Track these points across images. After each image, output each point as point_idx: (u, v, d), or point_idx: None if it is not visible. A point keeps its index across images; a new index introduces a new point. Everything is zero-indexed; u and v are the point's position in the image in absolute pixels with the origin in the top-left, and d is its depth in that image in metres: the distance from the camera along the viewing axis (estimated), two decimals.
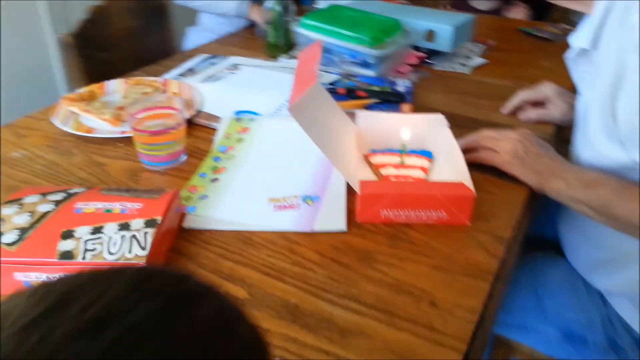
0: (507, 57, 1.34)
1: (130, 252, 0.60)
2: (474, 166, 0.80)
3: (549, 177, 0.75)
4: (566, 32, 1.51)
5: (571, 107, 0.98)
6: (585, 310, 0.84)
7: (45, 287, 0.26)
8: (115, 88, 1.10)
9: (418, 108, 1.04)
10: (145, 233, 0.62)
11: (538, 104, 1.02)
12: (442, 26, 1.24)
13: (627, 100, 0.65)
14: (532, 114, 1.00)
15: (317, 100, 0.71)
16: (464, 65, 1.28)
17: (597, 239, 0.80)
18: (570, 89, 1.17)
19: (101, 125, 0.96)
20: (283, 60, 1.30)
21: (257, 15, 1.53)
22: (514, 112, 1.03)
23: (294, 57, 1.32)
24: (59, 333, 0.23)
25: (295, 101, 0.65)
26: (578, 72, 0.84)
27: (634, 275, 0.76)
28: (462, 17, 1.28)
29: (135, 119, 0.83)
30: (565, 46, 1.43)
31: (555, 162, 0.76)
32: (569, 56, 0.84)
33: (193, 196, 0.77)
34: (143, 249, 0.60)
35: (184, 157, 0.87)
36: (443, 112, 1.04)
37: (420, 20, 1.27)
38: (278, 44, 1.33)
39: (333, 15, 1.28)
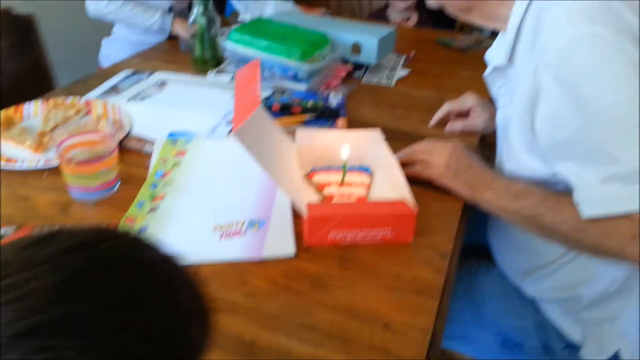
0: (428, 68, 1.40)
1: None
2: (411, 179, 0.83)
3: (481, 189, 0.80)
4: (479, 42, 1.60)
5: (492, 116, 1.04)
6: (519, 316, 0.90)
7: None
8: (34, 111, 1.03)
9: (352, 122, 1.07)
10: None
11: (462, 115, 1.08)
12: (367, 39, 1.28)
13: (543, 116, 0.69)
14: (457, 125, 1.06)
15: (260, 123, 0.71)
16: (389, 77, 1.32)
17: (524, 247, 0.86)
18: (489, 98, 1.26)
19: (22, 154, 0.89)
20: (212, 75, 1.28)
21: (180, 29, 1.49)
22: (440, 124, 1.09)
23: (222, 72, 1.30)
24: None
25: (239, 126, 0.65)
26: (495, 87, 0.89)
27: (561, 281, 0.83)
28: (385, 29, 1.32)
29: (62, 148, 0.78)
30: (480, 55, 1.52)
31: (486, 173, 0.81)
32: (486, 73, 0.89)
33: (131, 229, 0.74)
34: None
35: (117, 186, 0.83)
36: (375, 126, 1.07)
37: (346, 34, 1.30)
38: (205, 58, 1.31)
39: (260, 29, 1.27)
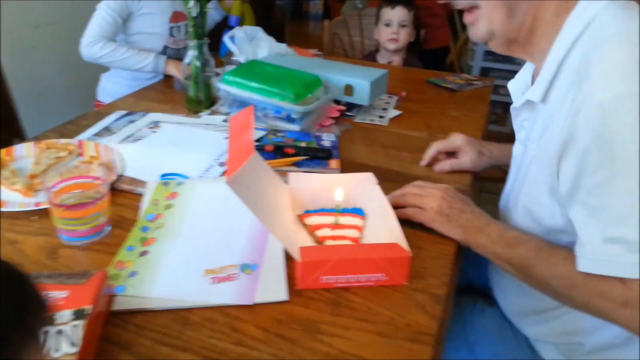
0: (419, 108, 1.42)
1: (57, 350, 0.55)
2: (403, 221, 0.83)
3: (474, 233, 0.79)
4: (469, 82, 1.63)
5: (480, 154, 1.06)
6: (513, 356, 0.88)
7: None
8: (25, 153, 1.02)
9: (344, 162, 1.07)
10: (75, 326, 0.57)
11: (450, 154, 1.09)
12: (360, 81, 1.29)
13: (572, 160, 0.67)
14: (445, 164, 1.06)
15: (253, 169, 0.70)
16: (381, 117, 1.34)
17: (527, 288, 0.84)
18: (477, 136, 1.27)
19: (11, 197, 0.88)
20: (205, 116, 1.29)
21: (174, 70, 1.51)
22: (431, 163, 1.09)
23: (216, 113, 1.31)
24: None
25: (233, 174, 0.65)
26: (518, 119, 0.89)
27: (564, 326, 0.81)
28: (377, 72, 1.35)
29: (52, 192, 0.78)
30: (469, 95, 1.55)
31: (479, 217, 0.81)
32: (515, 106, 0.87)
33: (121, 273, 0.73)
34: (73, 344, 0.55)
35: (107, 229, 0.82)
36: (368, 166, 1.08)
37: (339, 76, 1.32)
38: (199, 99, 1.32)
39: (254, 71, 1.29)
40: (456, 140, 1.07)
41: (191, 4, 1.19)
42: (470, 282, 1.08)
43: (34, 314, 0.38)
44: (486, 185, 2.15)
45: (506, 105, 2.28)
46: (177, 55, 1.64)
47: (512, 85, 0.91)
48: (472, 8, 0.78)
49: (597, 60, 0.65)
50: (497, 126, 3.02)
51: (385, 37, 1.82)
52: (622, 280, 0.64)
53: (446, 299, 0.72)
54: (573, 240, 0.71)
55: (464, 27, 2.92)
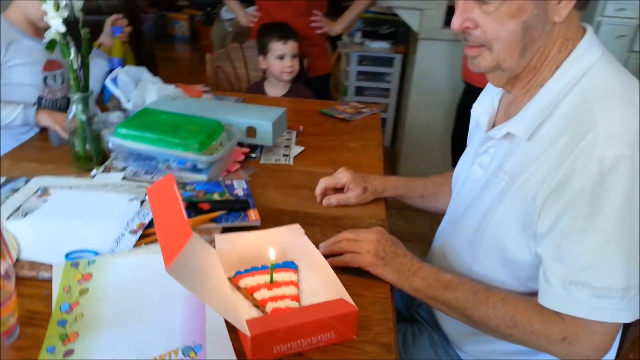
0: (319, 142, 1.44)
1: None
2: (334, 268, 0.83)
3: (409, 277, 0.83)
4: (357, 110, 1.71)
5: (364, 190, 1.10)
6: None
7: None
8: None
9: (261, 210, 1.06)
10: None
11: (338, 189, 1.13)
12: (262, 122, 1.29)
13: (563, 203, 0.70)
14: (332, 199, 1.10)
15: (193, 251, 0.66)
16: (285, 155, 1.34)
17: None
18: (377, 165, 1.33)
19: None
20: (99, 175, 1.18)
21: (48, 120, 1.36)
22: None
23: (111, 169, 1.21)
24: None
25: (173, 262, 0.60)
26: (484, 145, 0.90)
27: (505, 347, 0.86)
28: (276, 110, 1.35)
29: None
30: (360, 123, 1.62)
31: (412, 261, 0.85)
32: (490, 134, 0.88)
33: None
34: None
35: (17, 331, 0.72)
36: (285, 211, 1.08)
37: (239, 118, 1.30)
38: (88, 155, 1.21)
39: (148, 121, 1.22)
40: (342, 177, 1.11)
41: (72, 56, 1.10)
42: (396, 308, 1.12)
43: None
44: None
45: None
46: (54, 106, 1.49)
47: (478, 108, 0.94)
48: (481, 45, 0.78)
49: (604, 116, 0.69)
50: None
51: (280, 70, 1.85)
52: (561, 317, 0.71)
53: (395, 347, 0.74)
54: (529, 275, 0.77)
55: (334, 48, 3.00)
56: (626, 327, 0.86)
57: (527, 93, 0.81)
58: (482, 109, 0.93)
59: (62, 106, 1.55)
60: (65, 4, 1.02)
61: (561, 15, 0.73)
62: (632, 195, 0.67)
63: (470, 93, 2.21)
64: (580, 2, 0.73)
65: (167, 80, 1.55)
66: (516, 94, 0.84)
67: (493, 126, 0.90)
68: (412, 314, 1.10)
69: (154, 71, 3.05)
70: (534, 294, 0.78)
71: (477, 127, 0.97)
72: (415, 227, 2.50)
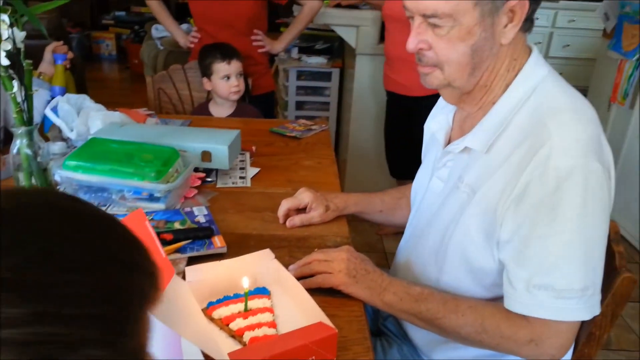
0: (274, 162, 1.45)
1: None
2: (306, 290, 0.84)
3: (381, 292, 0.85)
4: (307, 127, 1.73)
5: (327, 208, 1.12)
6: None
7: None
8: None
9: (225, 236, 1.05)
10: None
11: (300, 209, 1.14)
12: (217, 146, 1.28)
13: (522, 213, 0.75)
14: (296, 219, 1.11)
15: (172, 289, 0.65)
16: (242, 177, 1.34)
17: None
18: (333, 182, 1.36)
19: None
20: None
21: None
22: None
23: None
24: None
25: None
26: (442, 159, 0.94)
27: (470, 352, 0.90)
28: (230, 133, 1.34)
29: None
30: (312, 140, 1.64)
31: (382, 277, 0.87)
32: (448, 149, 0.92)
33: None
34: None
35: None
36: (250, 235, 1.08)
37: (193, 143, 1.28)
38: None
39: (98, 151, 1.18)
40: (304, 197, 1.13)
41: (15, 89, 1.04)
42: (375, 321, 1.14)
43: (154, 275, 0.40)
44: None
45: None
46: None
47: (434, 125, 0.98)
48: (433, 65, 0.82)
49: (557, 129, 0.74)
50: None
51: (227, 90, 1.83)
52: (527, 320, 0.76)
53: None
54: (495, 282, 0.81)
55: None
56: (580, 324, 0.93)
57: (480, 109, 0.86)
58: (438, 125, 0.97)
59: None
60: (8, 37, 0.97)
61: (508, 38, 0.79)
62: (587, 201, 0.73)
63: (392, 100, 2.33)
64: (525, 25, 0.79)
65: (98, 101, 1.50)
66: (469, 111, 0.89)
67: (449, 141, 0.95)
68: (380, 327, 1.13)
69: (85, 93, 2.94)
70: (500, 300, 0.83)
71: (432, 142, 1.02)
72: (365, 237, 2.55)
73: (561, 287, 0.75)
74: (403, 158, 2.29)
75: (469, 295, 0.87)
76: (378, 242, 2.55)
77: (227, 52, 1.84)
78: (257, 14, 2.01)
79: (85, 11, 5.63)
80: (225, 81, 1.83)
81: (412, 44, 0.81)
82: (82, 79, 3.28)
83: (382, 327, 1.13)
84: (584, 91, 3.03)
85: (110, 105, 1.56)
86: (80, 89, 3.18)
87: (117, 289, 0.36)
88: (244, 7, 1.96)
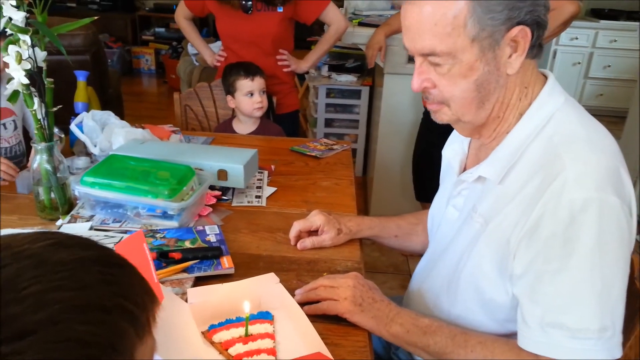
0: (291, 182, 1.44)
1: None
2: (311, 316, 0.82)
3: (387, 323, 0.83)
4: (328, 147, 1.72)
5: (339, 232, 1.10)
6: None
7: None
8: None
9: (235, 256, 1.04)
10: None
11: (312, 231, 1.12)
12: (233, 165, 1.28)
13: (535, 246, 0.72)
14: (307, 242, 1.09)
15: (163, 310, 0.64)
16: (258, 197, 1.33)
17: None
18: (350, 204, 1.34)
19: None
20: (65, 225, 1.15)
21: None
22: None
23: (78, 218, 1.18)
24: None
25: None
26: (457, 187, 0.92)
27: None
28: (247, 152, 1.34)
29: None
30: (332, 161, 1.62)
31: (389, 306, 0.84)
32: (462, 177, 0.90)
33: None
34: None
35: None
36: (260, 257, 1.07)
37: (210, 162, 1.29)
38: (54, 205, 1.18)
39: (116, 167, 1.20)
40: (316, 220, 1.11)
41: (35, 106, 1.07)
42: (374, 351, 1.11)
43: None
44: None
45: None
46: (5, 154, 1.46)
47: (449, 152, 0.96)
48: (440, 102, 0.80)
49: (571, 161, 0.71)
50: None
51: (251, 107, 1.85)
52: (539, 359, 0.72)
53: None
54: (508, 317, 0.78)
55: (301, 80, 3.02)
56: None
57: (494, 139, 0.84)
58: (453, 152, 0.95)
59: (18, 152, 1.52)
60: (28, 56, 1.00)
61: (514, 68, 0.76)
62: (602, 236, 0.69)
63: (428, 116, 2.27)
64: (532, 52, 0.76)
65: (135, 115, 1.53)
66: (484, 141, 0.86)
67: (464, 169, 0.92)
68: (391, 356, 1.10)
69: (121, 106, 3.01)
70: (512, 336, 0.79)
71: (448, 169, 0.99)
72: (390, 257, 2.50)
73: (576, 327, 0.71)
74: (430, 181, 2.25)
75: (480, 328, 0.83)
76: (403, 263, 2.50)
77: (250, 69, 1.85)
78: (282, 34, 2.02)
79: (127, 27, 5.83)
80: (249, 97, 1.84)
81: (415, 83, 0.80)
82: (118, 92, 3.38)
83: (394, 355, 1.09)
84: (624, 113, 2.93)
85: (146, 118, 1.60)
86: (116, 102, 3.27)
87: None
88: (269, 27, 1.97)
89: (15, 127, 1.52)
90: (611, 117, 4.61)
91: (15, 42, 1.00)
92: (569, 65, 4.55)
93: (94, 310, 0.33)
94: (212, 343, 0.81)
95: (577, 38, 4.44)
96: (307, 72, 2.89)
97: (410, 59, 2.49)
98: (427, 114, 2.26)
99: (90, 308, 0.33)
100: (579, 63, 4.53)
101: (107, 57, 3.15)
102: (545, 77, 0.81)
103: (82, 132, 1.44)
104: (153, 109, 4.80)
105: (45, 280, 0.32)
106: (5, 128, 1.49)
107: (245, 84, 1.83)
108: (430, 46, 0.74)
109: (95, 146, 1.41)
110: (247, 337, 0.81)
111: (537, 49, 0.77)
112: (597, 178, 0.70)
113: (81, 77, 1.62)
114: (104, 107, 1.65)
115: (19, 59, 0.99)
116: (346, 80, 3.08)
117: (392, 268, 2.45)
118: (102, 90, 2.84)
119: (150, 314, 0.38)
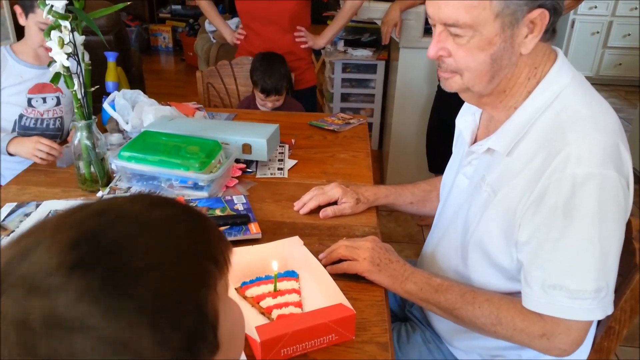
0: (311, 154, 1.52)
1: None
2: (332, 275, 0.91)
3: (402, 281, 0.91)
4: (345, 121, 1.79)
5: (357, 201, 1.18)
6: None
7: None
8: None
9: (261, 223, 1.13)
10: None
11: (332, 203, 1.20)
12: (257, 139, 1.36)
13: (540, 216, 0.78)
14: (328, 210, 1.18)
15: None
16: (280, 169, 1.42)
17: None
18: (366, 175, 1.42)
19: None
20: (104, 196, 1.25)
21: (20, 150, 1.39)
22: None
23: (116, 189, 1.28)
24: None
25: None
26: (467, 157, 0.98)
27: (488, 342, 0.94)
28: (269, 127, 1.43)
29: None
30: (349, 134, 1.69)
31: (404, 267, 0.93)
32: (472, 149, 0.95)
33: None
34: None
35: None
36: (284, 224, 1.16)
37: (235, 136, 1.37)
38: (94, 178, 1.28)
39: (149, 143, 1.29)
40: (335, 193, 1.19)
41: (75, 86, 1.16)
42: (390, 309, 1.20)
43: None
44: None
45: None
46: (35, 125, 1.56)
47: (462, 123, 1.02)
48: (453, 72, 0.84)
49: (574, 138, 0.76)
50: None
51: (262, 106, 1.98)
52: (540, 316, 0.80)
53: (391, 345, 0.82)
54: (516, 277, 0.85)
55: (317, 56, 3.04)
56: (596, 322, 0.95)
57: (503, 113, 0.88)
58: (465, 123, 1.00)
59: (52, 127, 1.61)
60: (69, 41, 1.08)
61: (528, 48, 0.80)
62: (601, 209, 0.76)
63: (442, 90, 2.31)
64: (546, 35, 0.81)
65: (155, 93, 1.61)
66: (492, 114, 0.92)
67: (475, 140, 0.99)
68: (406, 314, 1.18)
69: (142, 85, 3.08)
70: (516, 294, 0.86)
71: (460, 139, 1.06)
72: (406, 228, 2.59)
73: (575, 288, 0.78)
74: (443, 154, 2.31)
75: (488, 287, 0.91)
76: (418, 233, 2.58)
77: (266, 87, 1.91)
78: (299, 12, 2.08)
79: (143, 5, 5.88)
80: (261, 100, 1.94)
81: (432, 51, 0.84)
82: (140, 71, 3.46)
83: (408, 313, 1.18)
84: None
85: (165, 96, 1.68)
86: (138, 80, 3.35)
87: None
88: (287, 5, 2.03)
89: (58, 104, 1.60)
90: (629, 87, 4.58)
91: (56, 27, 1.09)
92: (588, 35, 4.50)
93: (187, 256, 0.41)
94: (245, 297, 0.91)
95: (596, 7, 4.38)
96: (324, 48, 2.94)
97: (426, 32, 2.52)
98: (441, 87, 2.31)
99: (185, 254, 0.41)
100: (598, 32, 4.47)
101: (129, 36, 3.22)
102: (556, 55, 0.86)
103: (114, 110, 1.53)
104: (172, 87, 4.89)
105: (148, 235, 0.40)
106: (45, 102, 1.58)
107: (259, 95, 1.94)
108: (455, 16, 0.77)
109: (127, 123, 1.51)
110: (276, 292, 0.91)
111: (550, 34, 0.82)
112: (598, 155, 0.76)
113: (111, 57, 1.71)
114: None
115: (62, 44, 1.08)
116: (362, 54, 3.12)
117: (408, 238, 2.53)
118: (126, 69, 2.92)
119: (226, 255, 0.46)
